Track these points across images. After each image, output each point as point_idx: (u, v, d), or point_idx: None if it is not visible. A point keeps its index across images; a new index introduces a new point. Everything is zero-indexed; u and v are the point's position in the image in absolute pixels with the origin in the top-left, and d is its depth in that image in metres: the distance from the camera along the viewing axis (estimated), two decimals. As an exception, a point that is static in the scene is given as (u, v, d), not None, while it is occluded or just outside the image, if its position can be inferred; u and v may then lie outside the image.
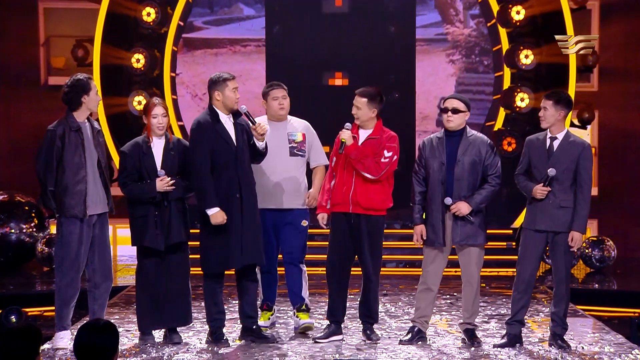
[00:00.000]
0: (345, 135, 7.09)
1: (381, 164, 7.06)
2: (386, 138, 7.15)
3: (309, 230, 7.66)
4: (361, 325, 7.43)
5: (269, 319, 7.70)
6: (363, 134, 7.18)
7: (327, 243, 7.30)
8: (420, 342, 7.18)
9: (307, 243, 7.67)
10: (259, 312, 7.58)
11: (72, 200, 6.98)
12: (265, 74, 13.81)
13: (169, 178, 7.02)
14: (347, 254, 7.20)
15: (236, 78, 7.14)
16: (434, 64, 15.39)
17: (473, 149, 7.04)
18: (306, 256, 7.68)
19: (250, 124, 7.09)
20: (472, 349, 7.05)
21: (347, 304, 7.35)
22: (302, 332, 7.52)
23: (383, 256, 7.34)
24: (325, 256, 7.30)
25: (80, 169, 7.01)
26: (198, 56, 15.39)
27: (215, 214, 6.90)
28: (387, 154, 7.09)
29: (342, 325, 7.40)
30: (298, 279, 7.57)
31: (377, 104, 7.16)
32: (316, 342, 7.22)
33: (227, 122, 7.06)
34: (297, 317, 7.60)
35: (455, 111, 7.07)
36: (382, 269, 7.38)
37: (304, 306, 7.58)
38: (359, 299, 7.32)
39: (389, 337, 7.48)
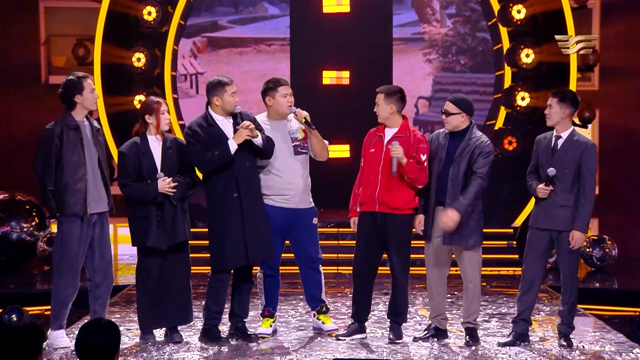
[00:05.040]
0: (398, 154, 6.97)
1: (424, 169, 7.04)
2: (416, 139, 7.08)
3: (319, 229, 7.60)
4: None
5: (270, 326, 7.47)
6: (389, 133, 7.16)
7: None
8: (436, 340, 7.21)
9: (322, 242, 7.58)
10: (260, 319, 7.54)
11: (72, 198, 6.98)
12: (289, 73, 13.83)
13: (170, 179, 7.02)
14: (373, 253, 7.18)
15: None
16: (411, 63, 15.43)
17: (470, 152, 7.04)
18: (327, 255, 7.65)
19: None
20: (472, 347, 7.06)
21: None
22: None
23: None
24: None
25: (79, 167, 7.00)
26: (223, 55, 15.42)
27: (240, 134, 6.94)
28: (423, 157, 7.06)
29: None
30: (319, 283, 7.48)
31: (396, 101, 7.13)
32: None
33: (226, 124, 7.07)
34: (318, 319, 7.53)
35: (448, 113, 7.07)
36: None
37: (324, 308, 7.52)
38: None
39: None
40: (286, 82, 7.43)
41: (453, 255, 7.23)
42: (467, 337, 7.20)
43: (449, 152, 7.06)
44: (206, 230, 7.17)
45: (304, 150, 7.39)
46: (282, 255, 7.51)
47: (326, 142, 7.47)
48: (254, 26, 15.61)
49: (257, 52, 15.18)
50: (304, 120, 7.27)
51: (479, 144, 7.01)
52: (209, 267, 7.23)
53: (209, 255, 7.15)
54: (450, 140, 7.10)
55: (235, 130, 7.04)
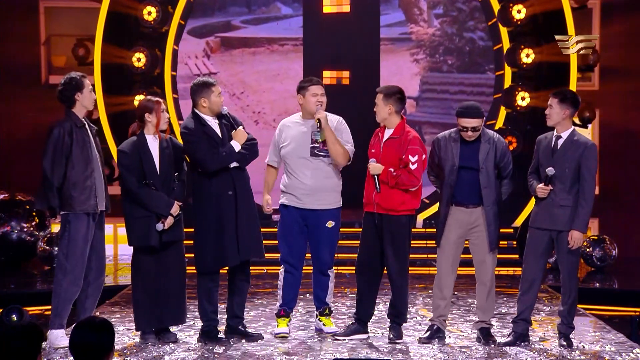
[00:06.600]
0: (373, 169, 7.02)
1: (413, 171, 6.97)
2: (406, 140, 7.03)
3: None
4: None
5: (287, 325, 7.44)
6: (387, 134, 7.14)
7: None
8: (436, 340, 7.20)
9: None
10: (275, 319, 7.54)
11: (82, 195, 7.00)
12: (302, 72, 13.85)
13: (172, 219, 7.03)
14: (375, 253, 7.17)
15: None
16: (399, 64, 15.45)
17: (492, 152, 7.04)
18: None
19: (235, 126, 7.12)
20: (474, 347, 7.05)
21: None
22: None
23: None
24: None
25: (88, 164, 7.05)
26: (236, 55, 15.42)
27: (240, 134, 7.02)
28: (413, 158, 6.97)
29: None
30: (326, 287, 7.47)
31: (394, 102, 7.09)
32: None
33: (213, 124, 7.10)
34: (320, 320, 7.54)
35: (475, 129, 7.03)
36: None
37: (327, 310, 7.52)
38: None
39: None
40: (318, 81, 7.44)
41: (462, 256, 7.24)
42: (484, 337, 7.16)
43: (465, 157, 7.04)
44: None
45: (321, 153, 7.30)
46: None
47: (351, 149, 7.31)
48: (266, 26, 15.63)
49: (270, 52, 15.16)
50: (317, 120, 7.26)
51: (497, 144, 7.05)
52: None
53: (195, 255, 7.10)
54: (462, 145, 7.08)
55: (223, 130, 7.07)
